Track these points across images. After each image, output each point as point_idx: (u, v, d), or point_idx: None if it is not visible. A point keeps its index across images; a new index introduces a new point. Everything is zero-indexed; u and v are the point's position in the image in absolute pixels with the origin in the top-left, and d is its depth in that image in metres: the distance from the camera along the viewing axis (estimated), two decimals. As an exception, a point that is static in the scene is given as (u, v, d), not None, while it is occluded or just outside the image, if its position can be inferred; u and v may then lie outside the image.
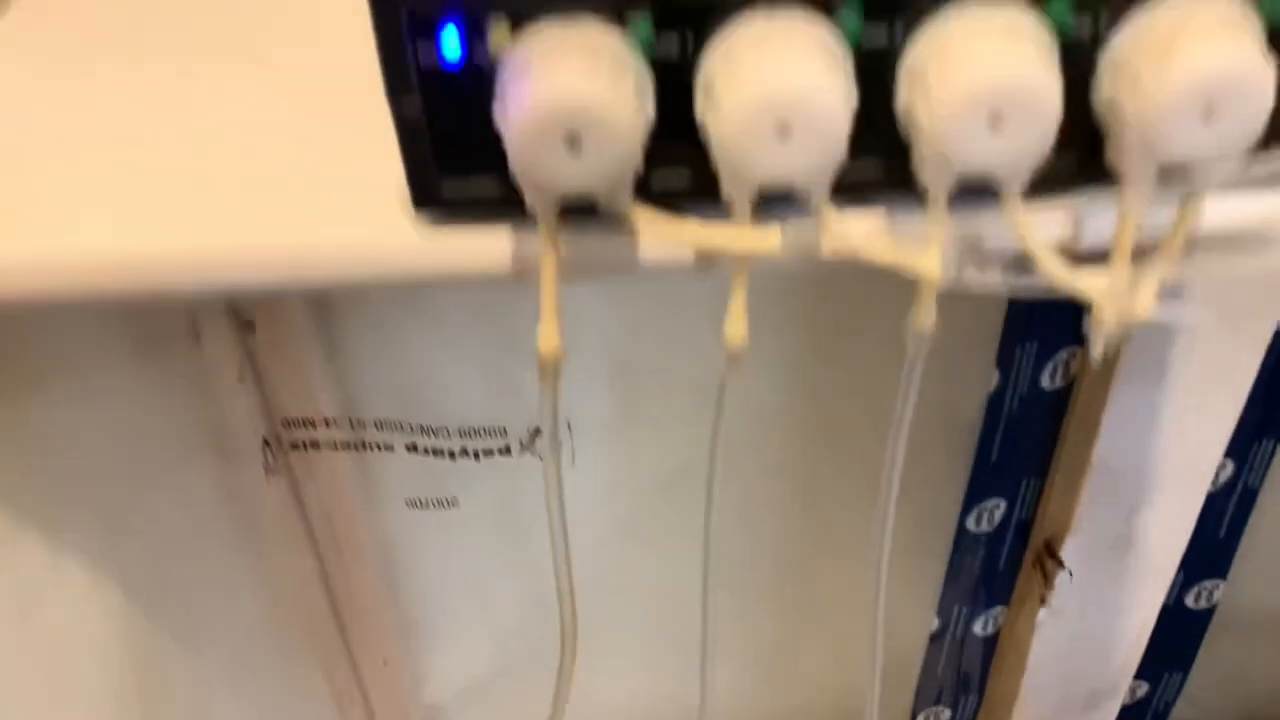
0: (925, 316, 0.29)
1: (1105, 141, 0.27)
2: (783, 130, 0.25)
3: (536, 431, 0.67)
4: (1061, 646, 0.80)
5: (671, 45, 0.26)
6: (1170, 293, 0.27)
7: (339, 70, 0.33)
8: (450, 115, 0.26)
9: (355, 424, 0.68)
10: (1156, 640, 0.81)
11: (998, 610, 0.84)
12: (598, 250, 0.28)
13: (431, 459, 0.71)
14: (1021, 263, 0.27)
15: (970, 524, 0.77)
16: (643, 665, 0.79)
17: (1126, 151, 0.26)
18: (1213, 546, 0.81)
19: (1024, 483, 0.74)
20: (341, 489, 0.73)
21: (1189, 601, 0.84)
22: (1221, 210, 0.27)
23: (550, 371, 0.29)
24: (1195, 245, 0.27)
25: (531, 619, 0.77)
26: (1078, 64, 0.26)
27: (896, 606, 0.87)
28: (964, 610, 0.84)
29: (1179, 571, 0.82)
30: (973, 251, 0.27)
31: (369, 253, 0.29)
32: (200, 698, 0.63)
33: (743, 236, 0.27)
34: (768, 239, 0.27)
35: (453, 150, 0.27)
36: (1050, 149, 0.25)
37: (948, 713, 0.92)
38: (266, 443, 0.69)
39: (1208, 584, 0.83)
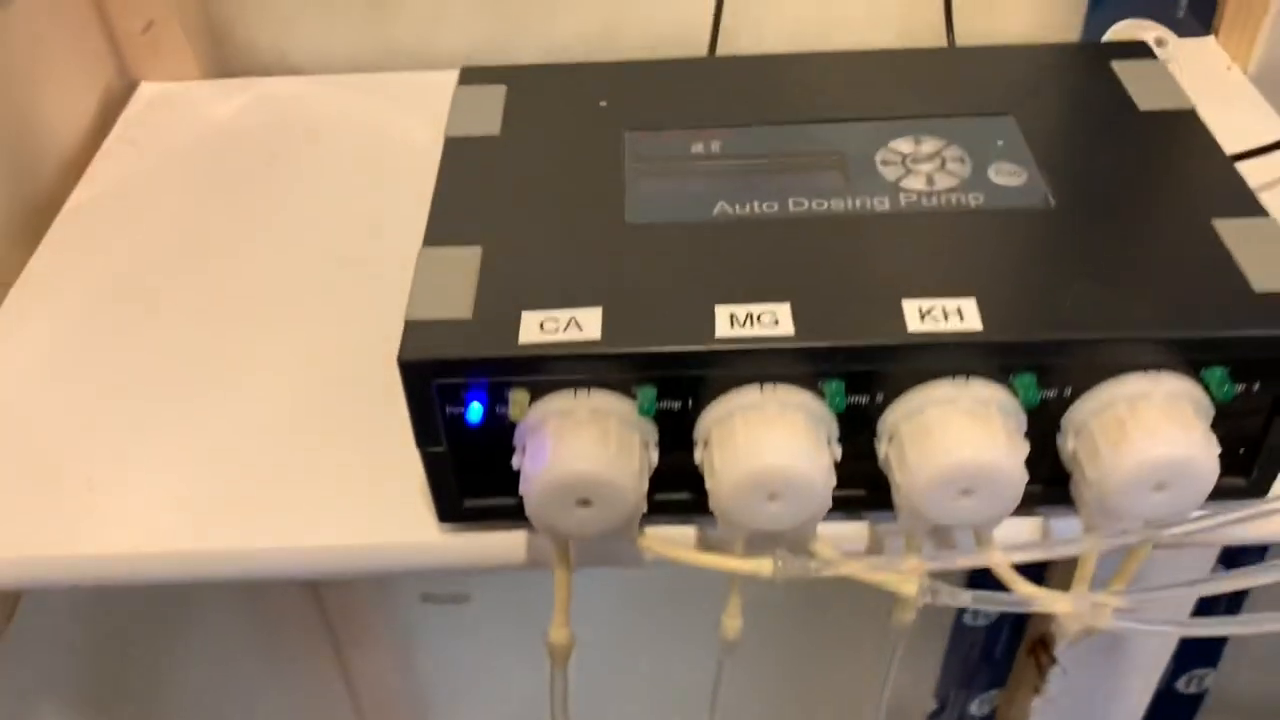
0: (906, 614, 0.31)
1: (1070, 479, 0.29)
2: (772, 496, 0.27)
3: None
4: (1056, 725, 0.83)
5: (673, 408, 0.28)
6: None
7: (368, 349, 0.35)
8: (472, 458, 0.29)
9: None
10: (1156, 707, 0.84)
11: (994, 693, 0.86)
12: (608, 553, 0.31)
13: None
14: (992, 583, 0.30)
15: (967, 618, 0.80)
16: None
17: (1085, 504, 0.29)
18: (1203, 638, 0.83)
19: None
20: (359, 585, 0.76)
21: (1180, 687, 0.87)
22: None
23: (561, 659, 0.32)
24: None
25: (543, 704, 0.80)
26: (1044, 422, 0.28)
27: (897, 687, 0.90)
28: (962, 693, 0.87)
29: (1171, 659, 0.84)
30: (948, 575, 0.30)
31: (403, 553, 0.31)
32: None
33: (739, 565, 0.29)
34: (760, 566, 0.29)
35: (474, 480, 0.30)
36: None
37: (946, 782, 0.95)
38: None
39: (1198, 672, 0.86)
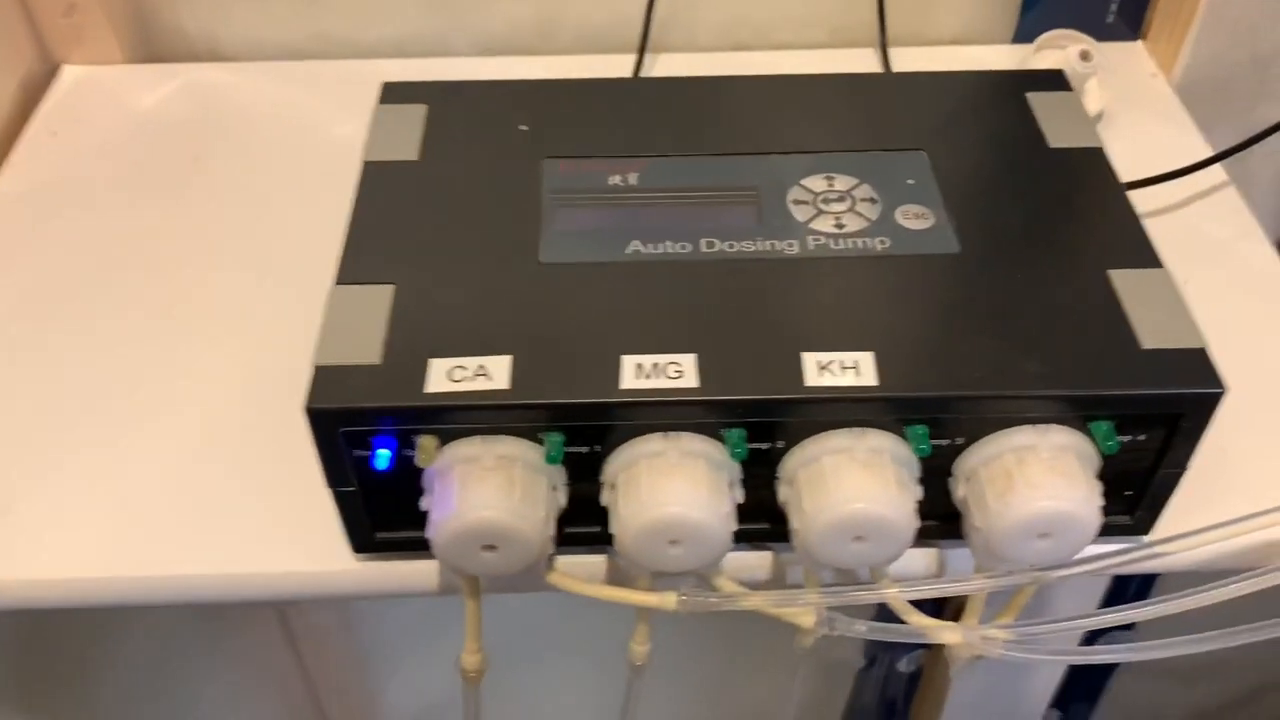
0: (805, 641, 0.33)
1: (961, 520, 0.30)
2: (673, 542, 0.28)
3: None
4: (977, 689, 0.87)
5: (582, 451, 0.29)
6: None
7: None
8: (382, 496, 0.30)
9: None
10: (1070, 678, 0.88)
11: (920, 652, 0.89)
12: (518, 583, 0.32)
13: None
14: (885, 615, 0.31)
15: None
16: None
17: (974, 546, 0.30)
18: (1121, 603, 0.86)
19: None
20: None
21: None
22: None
23: (474, 680, 0.33)
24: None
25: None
26: (937, 468, 0.30)
27: (826, 645, 0.93)
28: (889, 652, 0.89)
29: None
30: (844, 608, 0.31)
31: (318, 580, 0.32)
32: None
33: (644, 598, 0.30)
34: (665, 601, 0.30)
35: (385, 516, 0.31)
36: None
37: (874, 735, 0.98)
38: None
39: (1116, 632, 0.90)
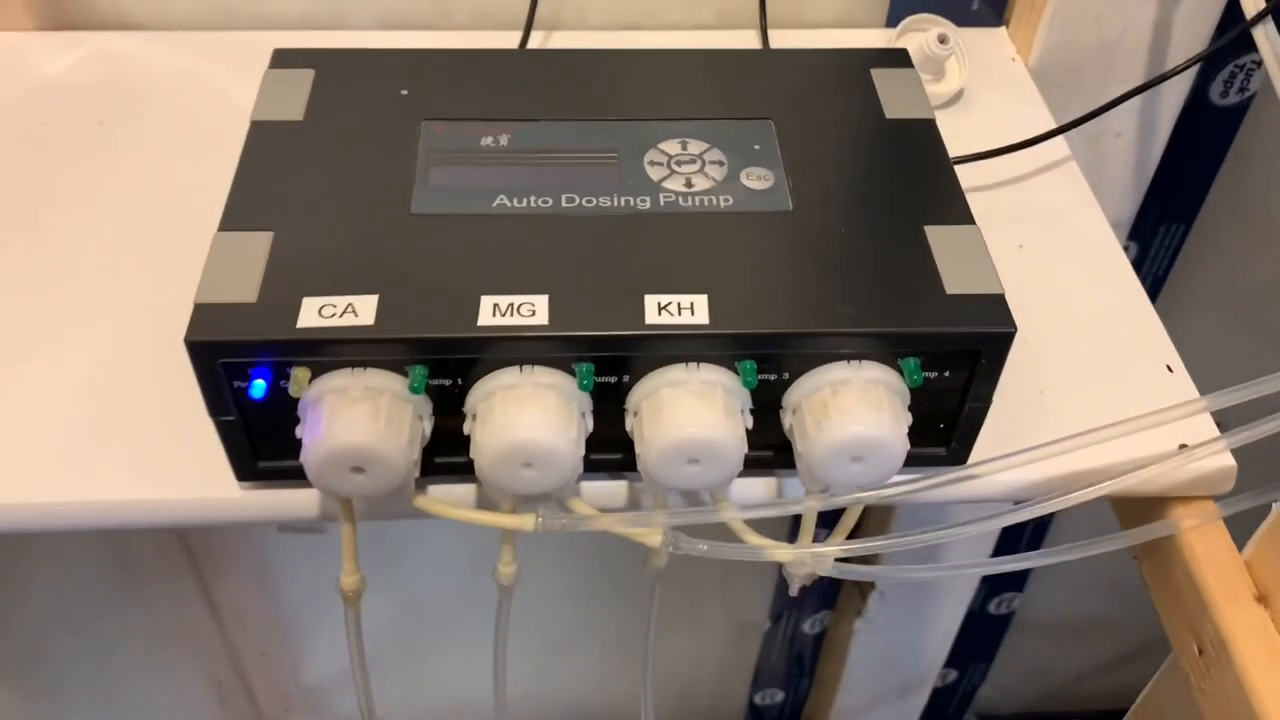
0: (657, 560, 0.36)
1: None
2: (526, 465, 0.31)
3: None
4: (876, 649, 0.91)
5: (443, 385, 0.32)
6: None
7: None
8: (261, 425, 0.32)
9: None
10: (964, 638, 0.93)
11: (824, 614, 0.94)
12: (388, 509, 0.35)
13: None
14: (727, 536, 0.35)
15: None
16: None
17: (800, 472, 0.33)
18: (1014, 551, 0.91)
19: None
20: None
21: (991, 608, 0.95)
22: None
23: (353, 601, 0.36)
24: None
25: (398, 621, 0.85)
26: (766, 401, 0.33)
27: (736, 607, 0.97)
28: (794, 613, 0.94)
29: (983, 585, 0.93)
30: (687, 529, 0.34)
31: (204, 508, 0.35)
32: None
33: (505, 520, 0.33)
34: (525, 522, 0.33)
35: (265, 445, 0.33)
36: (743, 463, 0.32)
37: (781, 694, 1.02)
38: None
39: (1007, 595, 0.95)
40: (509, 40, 0.52)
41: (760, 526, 0.35)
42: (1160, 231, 0.67)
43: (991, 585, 0.93)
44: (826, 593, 0.91)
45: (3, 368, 0.38)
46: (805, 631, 0.96)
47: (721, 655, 0.99)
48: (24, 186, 0.45)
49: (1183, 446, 0.36)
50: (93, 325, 0.39)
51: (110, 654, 0.75)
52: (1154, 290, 0.70)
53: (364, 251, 0.33)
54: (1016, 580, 0.93)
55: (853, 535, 0.35)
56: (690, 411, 0.31)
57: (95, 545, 0.70)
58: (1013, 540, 0.89)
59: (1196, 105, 0.59)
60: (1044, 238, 0.44)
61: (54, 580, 0.66)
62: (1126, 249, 0.67)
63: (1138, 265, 0.68)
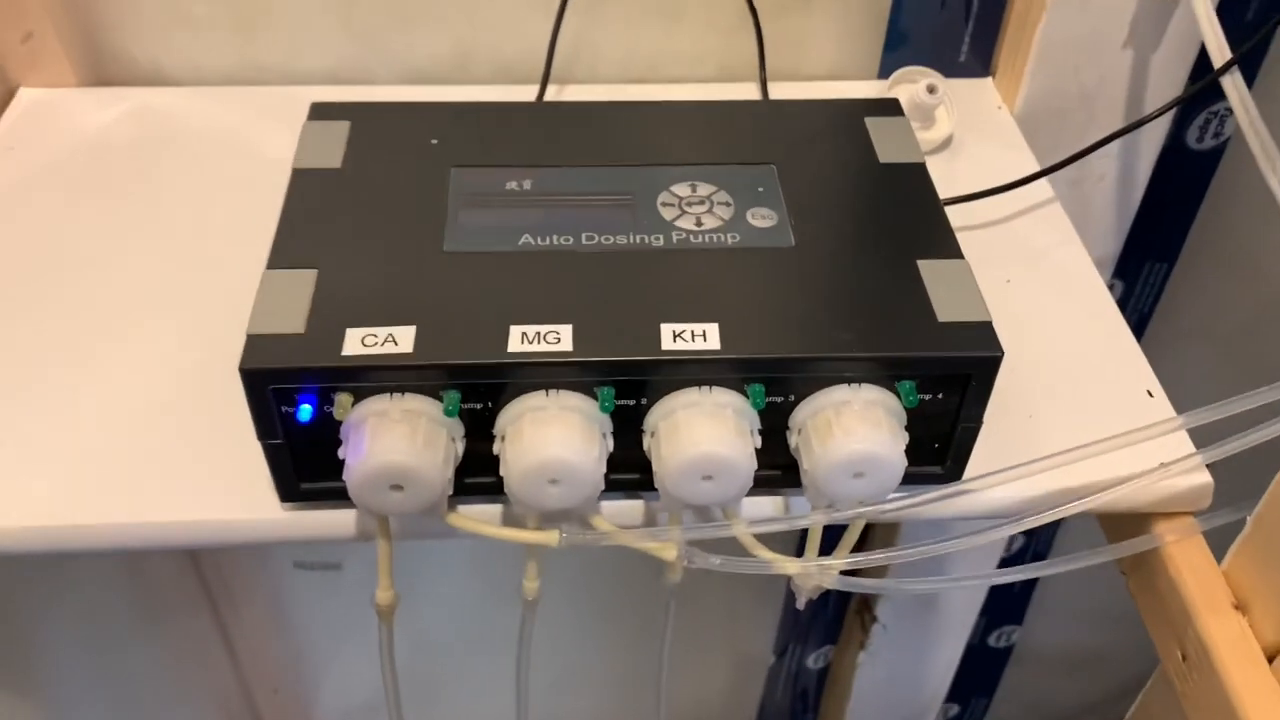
0: (673, 575, 0.38)
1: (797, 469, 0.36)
2: (553, 481, 0.34)
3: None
4: (879, 682, 0.93)
5: (476, 408, 0.34)
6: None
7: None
8: (306, 448, 0.35)
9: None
10: (965, 672, 0.94)
11: (828, 649, 0.95)
12: (423, 527, 0.37)
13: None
14: (738, 551, 0.37)
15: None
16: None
17: (806, 488, 0.36)
18: (1009, 599, 0.93)
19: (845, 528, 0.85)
20: (234, 553, 0.81)
21: (991, 642, 0.97)
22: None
23: (387, 616, 0.38)
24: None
25: (410, 658, 0.87)
26: (774, 421, 0.35)
27: (742, 642, 0.98)
28: (798, 648, 0.95)
29: (982, 618, 0.95)
30: (700, 544, 0.37)
31: (249, 527, 0.37)
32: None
33: (530, 536, 0.36)
34: (549, 538, 0.36)
35: (309, 467, 0.36)
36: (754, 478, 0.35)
37: (787, 729, 1.04)
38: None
39: (1006, 628, 0.96)
40: (525, 94, 0.55)
41: (769, 543, 0.37)
42: (1144, 270, 0.70)
43: (990, 619, 0.95)
44: (830, 626, 0.92)
45: (53, 398, 0.40)
46: (809, 666, 0.97)
47: (727, 691, 1.01)
48: (73, 228, 0.47)
49: (1163, 465, 0.39)
50: (139, 359, 0.42)
51: (127, 686, 0.77)
52: (1140, 327, 0.73)
53: (401, 286, 0.35)
54: (1015, 613, 0.95)
55: (857, 552, 0.38)
56: (704, 430, 0.34)
57: (117, 577, 0.72)
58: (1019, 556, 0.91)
59: (1174, 149, 0.62)
60: (1030, 273, 0.47)
61: (76, 609, 0.67)
62: (1112, 287, 0.70)
63: (1123, 302, 0.71)
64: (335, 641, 0.90)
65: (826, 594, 0.93)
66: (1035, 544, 0.89)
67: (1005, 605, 0.94)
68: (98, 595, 0.69)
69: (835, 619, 0.92)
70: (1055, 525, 0.88)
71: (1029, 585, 0.94)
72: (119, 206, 0.49)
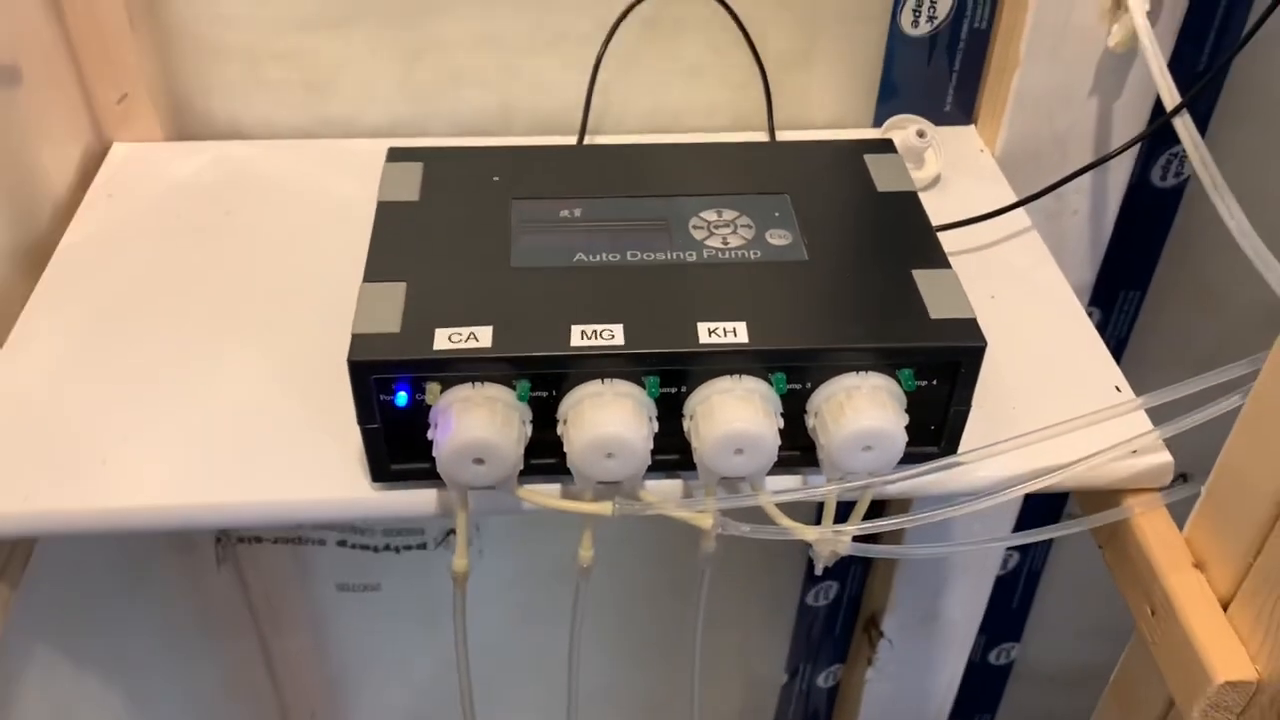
0: (707, 544, 0.44)
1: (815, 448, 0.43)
2: (609, 455, 0.40)
3: (450, 532, 0.82)
4: (887, 698, 0.97)
5: (543, 395, 0.41)
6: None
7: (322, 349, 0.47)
8: (399, 432, 0.41)
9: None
10: (967, 689, 0.99)
11: (837, 668, 1.00)
12: (496, 503, 0.43)
13: (359, 551, 0.85)
14: (763, 519, 0.43)
15: (810, 599, 0.94)
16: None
17: (822, 461, 0.42)
18: (1007, 616, 0.99)
19: (850, 568, 0.91)
20: (281, 576, 0.86)
21: (991, 659, 1.02)
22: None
23: (461, 582, 0.44)
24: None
25: (443, 681, 0.91)
26: (794, 407, 0.42)
27: (754, 663, 1.03)
28: (809, 667, 1.00)
29: (981, 636, 1.00)
30: (731, 512, 0.43)
31: (346, 505, 0.43)
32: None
33: (587, 507, 0.42)
34: (603, 508, 0.42)
35: (400, 450, 0.42)
36: (778, 455, 0.41)
37: (799, 749, 1.08)
38: (218, 539, 0.82)
39: (1005, 645, 1.02)
40: (562, 143, 0.62)
41: (790, 515, 0.43)
42: (1119, 298, 0.76)
43: (990, 636, 1.00)
44: (839, 645, 0.98)
45: (166, 403, 0.47)
46: (820, 685, 1.02)
47: (742, 711, 1.05)
48: (169, 260, 0.54)
49: (1127, 440, 0.45)
50: (237, 368, 0.48)
51: (174, 706, 0.82)
52: (1118, 351, 0.80)
53: (478, 295, 0.42)
54: (1014, 630, 1.00)
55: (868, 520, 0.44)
56: (737, 410, 0.40)
57: (179, 602, 0.78)
58: (1009, 589, 0.97)
59: (1140, 186, 0.70)
60: (1012, 290, 0.54)
61: (150, 615, 0.73)
62: (1090, 314, 0.76)
63: (1101, 328, 0.77)
64: (372, 667, 0.95)
65: (835, 613, 0.99)
66: (1030, 560, 0.95)
67: (1004, 622, 0.99)
68: (170, 607, 0.74)
69: (844, 637, 0.97)
70: (1049, 543, 0.94)
71: (1026, 603, 0.99)
72: (207, 241, 0.56)
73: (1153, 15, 0.56)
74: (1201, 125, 0.56)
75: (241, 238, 0.56)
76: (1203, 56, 0.64)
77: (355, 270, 0.43)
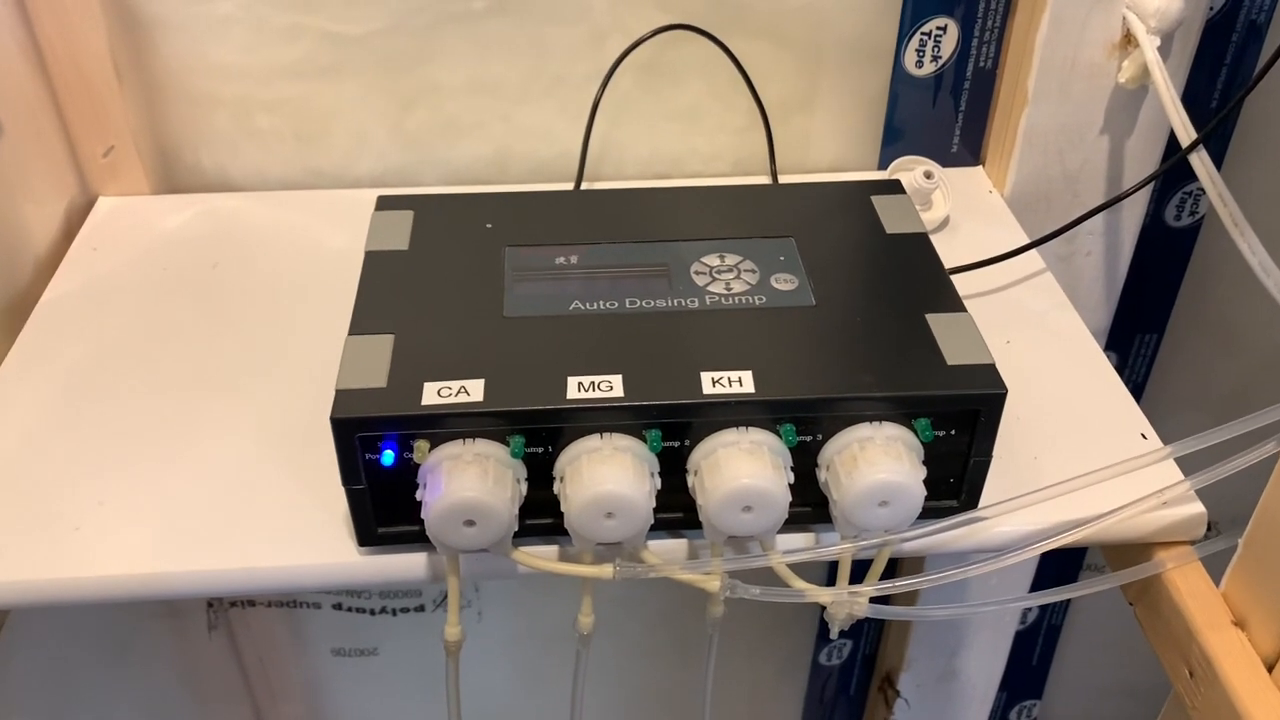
0: (715, 608, 0.42)
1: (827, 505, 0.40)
2: (609, 515, 0.37)
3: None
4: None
5: (539, 452, 0.38)
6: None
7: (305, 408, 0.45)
8: (386, 493, 0.39)
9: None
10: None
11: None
12: (489, 567, 0.41)
13: (355, 615, 0.82)
14: (774, 580, 0.41)
15: (823, 658, 0.91)
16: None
17: (836, 518, 0.39)
18: (1028, 673, 0.95)
19: (865, 626, 0.88)
20: (275, 640, 0.83)
21: (1012, 718, 0.98)
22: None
23: (454, 652, 0.42)
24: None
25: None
26: (805, 458, 0.39)
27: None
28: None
29: (1002, 693, 0.96)
30: (740, 574, 0.40)
31: (329, 571, 0.41)
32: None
33: (587, 570, 0.39)
34: (603, 572, 0.39)
35: (387, 511, 0.40)
36: (788, 512, 0.39)
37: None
38: (210, 604, 0.79)
39: (1027, 703, 0.98)
40: (558, 189, 0.60)
41: (803, 576, 0.41)
42: (1136, 341, 0.74)
43: (1011, 693, 0.97)
44: (854, 705, 0.94)
45: (145, 464, 0.44)
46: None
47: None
48: (154, 314, 0.52)
49: (1156, 493, 0.42)
50: (220, 427, 0.46)
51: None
52: (1136, 396, 0.77)
53: (469, 346, 0.40)
54: (1035, 688, 0.97)
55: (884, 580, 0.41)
56: (744, 465, 0.38)
57: (174, 659, 0.75)
58: (1029, 644, 0.93)
59: (1154, 227, 0.68)
60: (1028, 334, 0.52)
61: (136, 688, 0.70)
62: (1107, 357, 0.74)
63: (1118, 373, 0.75)
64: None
65: (849, 673, 0.96)
66: (1051, 615, 0.91)
67: (1025, 679, 0.96)
68: (158, 675, 0.71)
69: (859, 697, 0.94)
70: (1067, 602, 0.91)
71: (1047, 659, 0.96)
72: (191, 295, 0.54)
73: (1163, 50, 0.55)
74: (1215, 163, 0.54)
75: (228, 292, 0.54)
76: (1215, 92, 0.63)
77: (345, 323, 0.41)
